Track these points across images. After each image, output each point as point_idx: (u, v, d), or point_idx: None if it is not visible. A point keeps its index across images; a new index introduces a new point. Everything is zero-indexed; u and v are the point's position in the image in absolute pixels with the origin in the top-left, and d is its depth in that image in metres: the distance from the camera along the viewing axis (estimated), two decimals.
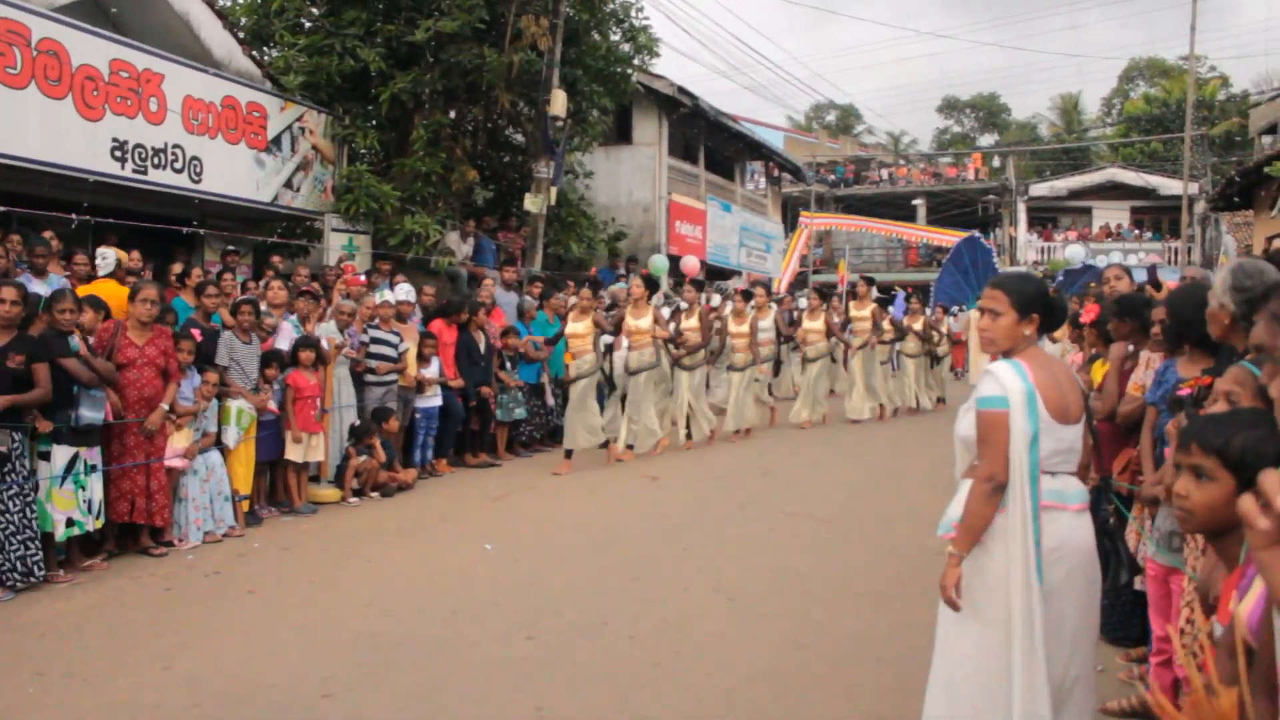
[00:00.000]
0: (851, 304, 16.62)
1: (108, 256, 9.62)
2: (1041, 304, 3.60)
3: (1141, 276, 10.88)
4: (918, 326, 17.21)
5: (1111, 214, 39.23)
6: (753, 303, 14.11)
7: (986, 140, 60.86)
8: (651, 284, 12.60)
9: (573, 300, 12.57)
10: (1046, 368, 3.56)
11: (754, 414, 14.04)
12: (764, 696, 4.90)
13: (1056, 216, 40.93)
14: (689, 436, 12.87)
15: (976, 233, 25.57)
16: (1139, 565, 3.94)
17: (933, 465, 9.45)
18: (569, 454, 11.26)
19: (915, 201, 42.02)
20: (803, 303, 18.14)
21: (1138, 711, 4.46)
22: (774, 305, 16.06)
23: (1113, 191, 39.11)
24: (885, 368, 16.72)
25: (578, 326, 11.41)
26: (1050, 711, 3.36)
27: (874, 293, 16.54)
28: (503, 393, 11.88)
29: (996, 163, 44.59)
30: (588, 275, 14.74)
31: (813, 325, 15.47)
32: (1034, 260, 36.50)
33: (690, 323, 12.84)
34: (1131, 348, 5.31)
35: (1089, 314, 5.87)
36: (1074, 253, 34.67)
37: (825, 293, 18.89)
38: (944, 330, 18.65)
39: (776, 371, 17.24)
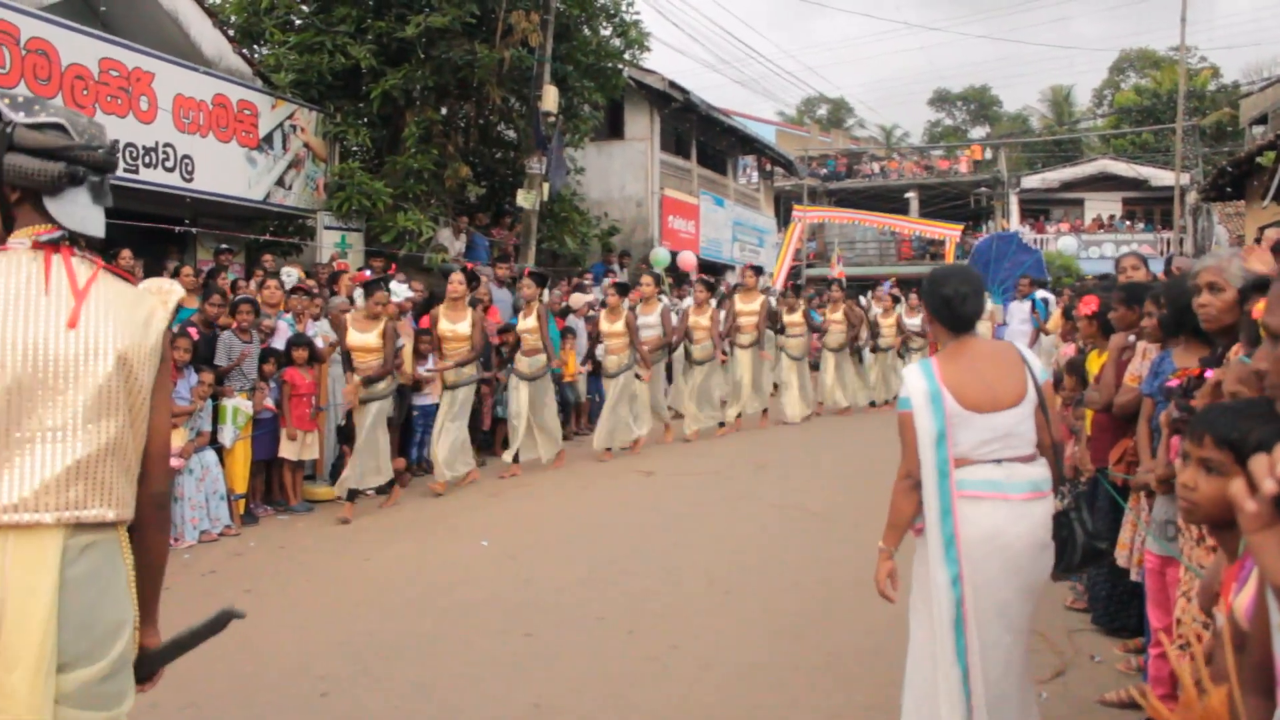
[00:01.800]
0: (738, 297, 14.09)
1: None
2: (936, 303, 3.76)
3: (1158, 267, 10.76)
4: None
5: (1103, 205, 39.27)
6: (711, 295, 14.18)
7: (978, 133, 60.87)
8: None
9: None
10: (966, 360, 3.68)
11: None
12: (761, 689, 4.91)
13: (1049, 208, 40.96)
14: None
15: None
16: (1096, 549, 3.95)
17: None
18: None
19: (908, 194, 42.04)
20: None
21: (1135, 704, 4.47)
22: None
23: (1104, 183, 39.14)
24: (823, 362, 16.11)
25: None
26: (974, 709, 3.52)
27: (761, 283, 15.06)
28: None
29: (988, 155, 44.54)
30: (600, 273, 14.53)
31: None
32: None
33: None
34: (1131, 338, 5.30)
35: (1088, 306, 5.85)
36: (1066, 244, 34.79)
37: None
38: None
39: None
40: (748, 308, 13.72)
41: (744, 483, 10.30)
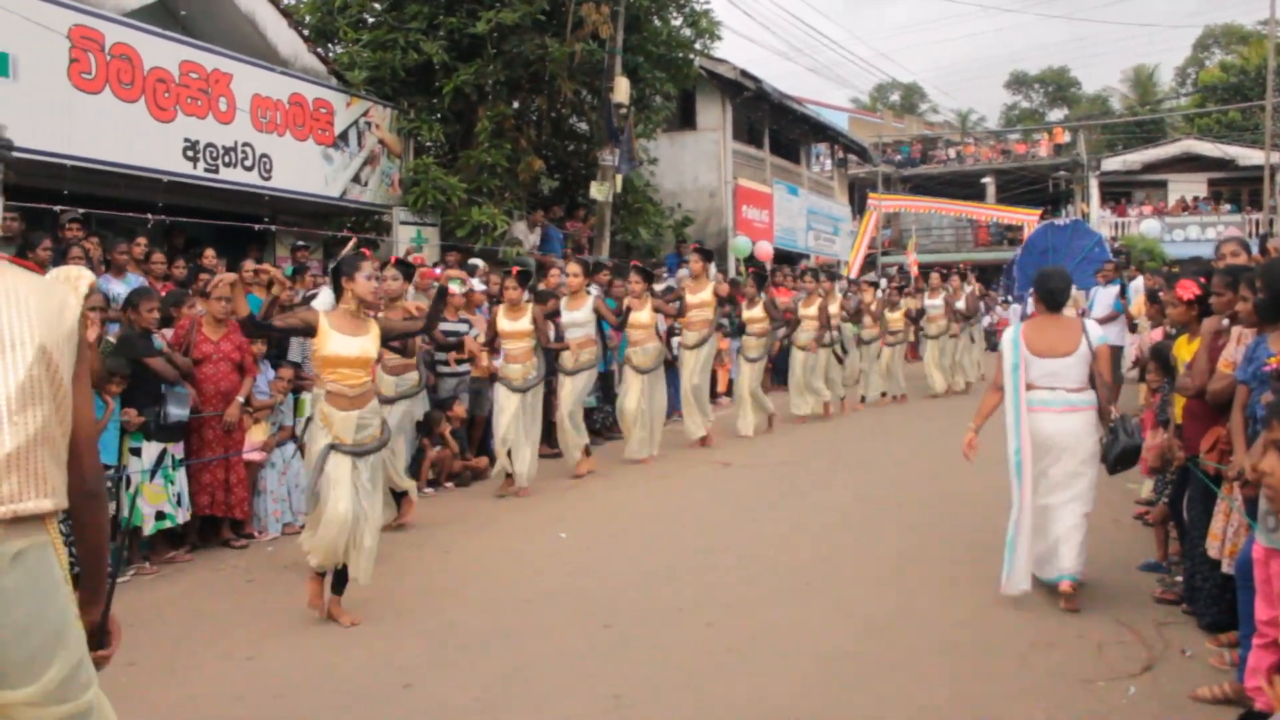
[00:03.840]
0: (687, 284, 11.86)
1: None
2: (1040, 292, 6.09)
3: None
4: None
5: (1188, 187, 38.27)
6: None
7: (1056, 115, 59.71)
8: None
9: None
10: (1044, 325, 5.97)
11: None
12: (839, 682, 4.87)
13: (1130, 191, 40.05)
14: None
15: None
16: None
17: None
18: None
19: (984, 179, 41.43)
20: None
21: (1229, 699, 4.35)
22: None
23: (1189, 164, 38.14)
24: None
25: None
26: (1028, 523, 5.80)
27: (712, 269, 12.53)
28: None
29: (1067, 138, 43.64)
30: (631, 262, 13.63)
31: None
32: (1109, 236, 35.74)
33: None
34: (1225, 322, 5.15)
35: (1188, 291, 5.68)
36: (1149, 228, 33.96)
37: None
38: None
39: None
40: (698, 298, 11.44)
41: (822, 474, 10.23)
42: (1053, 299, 6.02)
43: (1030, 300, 7.28)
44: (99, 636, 2.53)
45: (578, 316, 10.21)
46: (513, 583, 6.64)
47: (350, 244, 6.98)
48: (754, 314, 12.60)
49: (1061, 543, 5.77)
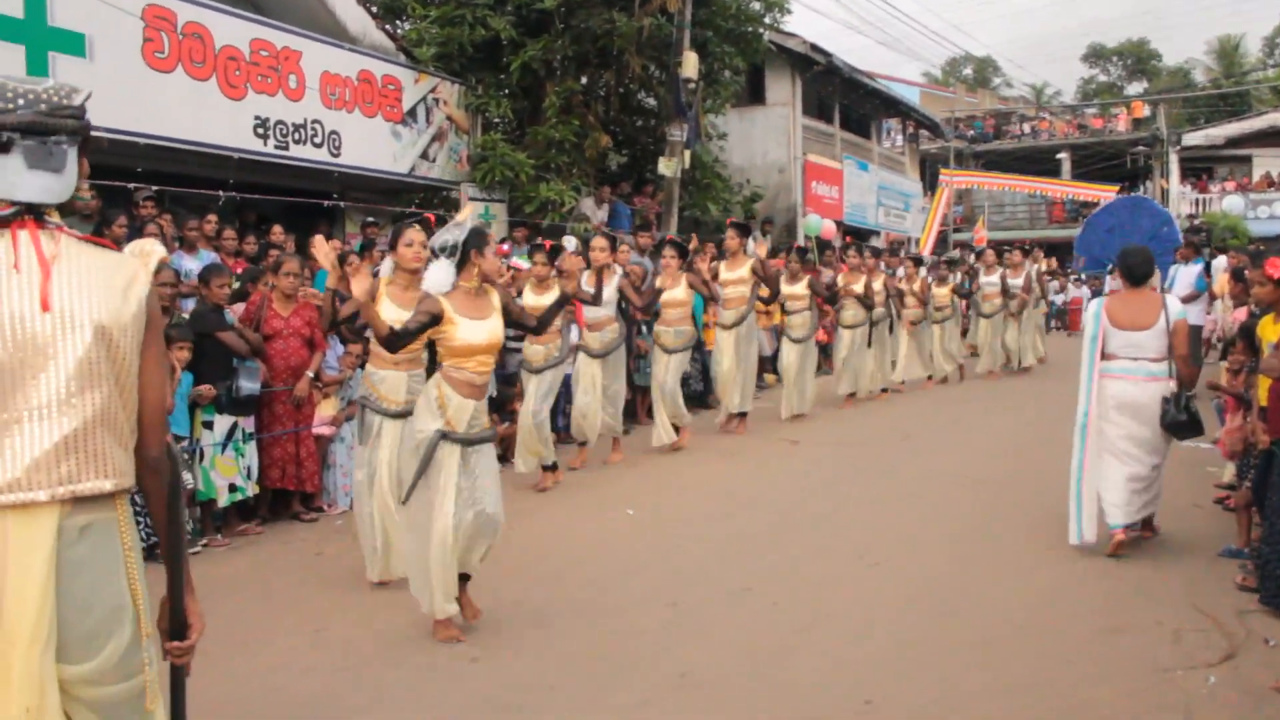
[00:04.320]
0: (722, 265, 11.19)
1: None
2: (1123, 268, 6.59)
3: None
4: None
5: (1274, 162, 37.18)
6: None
7: (1135, 89, 58.38)
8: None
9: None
10: (1126, 299, 6.49)
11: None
12: (910, 665, 4.81)
13: (1212, 166, 39.05)
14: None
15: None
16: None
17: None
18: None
19: (1059, 155, 40.65)
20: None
21: None
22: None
23: (1275, 138, 37.08)
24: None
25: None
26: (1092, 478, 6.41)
27: (750, 245, 11.42)
28: (639, 357, 11.79)
29: (1146, 112, 42.63)
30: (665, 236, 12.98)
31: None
32: (1189, 213, 34.89)
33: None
34: None
35: (1278, 270, 5.51)
36: (1232, 204, 33.10)
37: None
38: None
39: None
40: (734, 275, 11.00)
41: (892, 452, 10.14)
42: (1132, 274, 6.47)
43: (1111, 278, 7.68)
44: (175, 625, 2.53)
45: (604, 294, 9.13)
46: (579, 560, 6.66)
47: (465, 210, 6.24)
48: (795, 290, 12.08)
49: (1131, 494, 6.31)
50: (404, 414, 5.88)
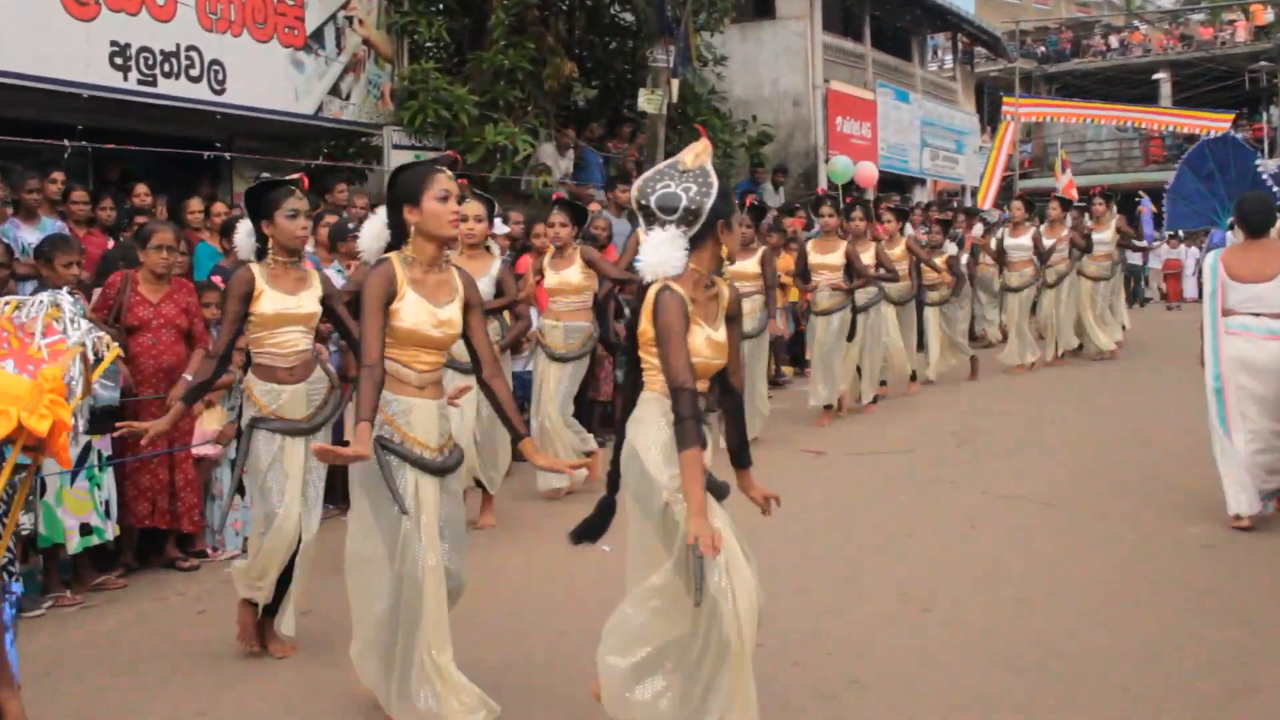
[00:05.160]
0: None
1: None
2: (1240, 219, 7.77)
3: None
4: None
5: None
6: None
7: None
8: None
9: None
10: (1246, 250, 7.58)
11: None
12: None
13: None
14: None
15: (1229, 129, 24.68)
16: None
17: (1185, 422, 9.08)
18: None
19: (1157, 76, 40.78)
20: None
21: None
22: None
23: None
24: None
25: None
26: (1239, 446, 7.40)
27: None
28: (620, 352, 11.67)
29: (1269, 17, 42.69)
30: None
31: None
32: None
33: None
34: None
35: None
36: None
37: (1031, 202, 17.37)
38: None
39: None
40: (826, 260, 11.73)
41: (942, 464, 10.19)
42: (1248, 224, 7.61)
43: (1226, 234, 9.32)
44: None
45: (568, 277, 9.16)
46: (548, 609, 6.63)
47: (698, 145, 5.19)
48: (830, 260, 11.86)
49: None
50: (444, 468, 5.02)
